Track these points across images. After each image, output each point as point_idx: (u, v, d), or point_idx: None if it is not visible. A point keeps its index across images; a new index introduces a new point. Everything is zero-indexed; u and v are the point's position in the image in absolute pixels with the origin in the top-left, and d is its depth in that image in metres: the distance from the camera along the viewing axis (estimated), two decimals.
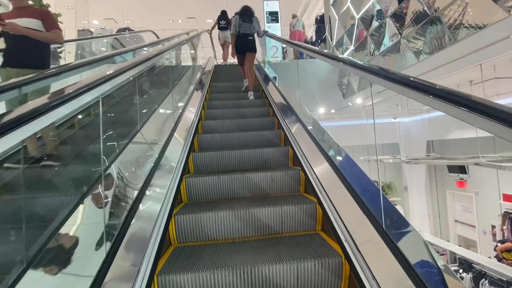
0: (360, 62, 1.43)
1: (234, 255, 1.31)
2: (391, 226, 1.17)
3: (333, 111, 6.51)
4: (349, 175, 1.52)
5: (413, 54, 3.99)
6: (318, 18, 9.05)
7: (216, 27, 6.36)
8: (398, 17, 4.27)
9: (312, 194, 1.69)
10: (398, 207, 9.28)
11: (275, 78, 4.25)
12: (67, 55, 5.57)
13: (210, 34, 6.57)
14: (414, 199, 9.10)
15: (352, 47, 5.89)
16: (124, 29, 6.77)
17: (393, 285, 1.03)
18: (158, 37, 7.11)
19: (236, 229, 1.52)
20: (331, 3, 7.38)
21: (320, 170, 1.74)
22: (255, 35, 3.90)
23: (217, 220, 1.51)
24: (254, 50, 3.89)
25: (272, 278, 1.22)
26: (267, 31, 4.78)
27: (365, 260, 1.13)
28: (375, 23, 5.04)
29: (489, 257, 5.30)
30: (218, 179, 1.84)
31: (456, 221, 8.77)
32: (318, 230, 1.56)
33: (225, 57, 6.36)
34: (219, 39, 6.50)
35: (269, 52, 7.36)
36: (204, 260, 1.27)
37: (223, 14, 6.35)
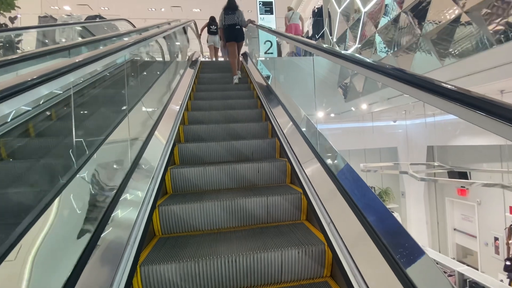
0: (378, 64, 1.21)
1: (219, 245, 1.34)
2: (373, 215, 1.21)
3: (332, 115, 5.75)
4: (334, 166, 1.55)
5: (436, 57, 3.21)
6: (316, 11, 8.37)
7: (206, 30, 6.78)
8: (418, 12, 3.48)
9: (298, 184, 1.75)
10: (395, 214, 8.55)
11: (268, 77, 4.15)
12: (29, 44, 4.93)
13: (199, 36, 6.92)
14: (412, 206, 8.53)
15: (357, 44, 5.09)
16: (95, 17, 5.82)
17: (374, 272, 1.08)
18: (134, 27, 5.97)
19: (222, 220, 1.55)
20: None
21: (305, 162, 1.78)
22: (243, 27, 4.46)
23: (202, 211, 1.53)
24: (242, 38, 4.55)
25: (256, 266, 1.25)
26: (253, 21, 4.95)
27: (347, 248, 1.18)
28: (385, 18, 4.25)
29: (501, 281, 4.79)
30: (204, 170, 1.87)
31: (455, 229, 8.24)
32: (303, 220, 1.61)
33: (211, 56, 7.04)
34: (207, 42, 7.06)
35: (262, 48, 6.46)
36: (188, 250, 1.31)
37: (213, 19, 6.84)
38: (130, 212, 1.33)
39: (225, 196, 1.59)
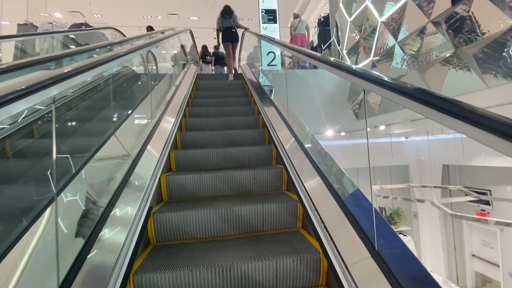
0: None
1: (214, 253, 1.38)
2: (368, 224, 1.23)
3: (343, 133, 5.11)
4: (329, 174, 1.58)
5: (479, 76, 2.55)
6: (322, 19, 7.78)
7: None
8: (453, 23, 2.84)
9: (294, 192, 1.79)
10: (407, 239, 7.71)
11: (271, 91, 3.93)
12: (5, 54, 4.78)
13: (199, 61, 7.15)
14: (426, 228, 7.76)
15: (372, 57, 4.47)
16: (80, 25, 5.19)
17: (368, 280, 1.10)
18: (124, 36, 5.31)
19: (217, 228, 1.58)
20: (342, 1, 5.93)
21: (301, 169, 1.80)
22: (239, 30, 5.30)
23: (197, 218, 1.56)
24: (237, 39, 5.34)
25: (251, 275, 1.27)
26: (248, 28, 5.47)
27: (342, 257, 1.20)
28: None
29: None
30: (200, 177, 1.91)
31: (473, 255, 7.41)
32: (299, 228, 1.64)
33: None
34: (201, 69, 7.51)
35: (265, 59, 5.86)
36: (183, 258, 1.33)
37: (205, 48, 7.54)
38: (124, 220, 1.35)
39: (221, 203, 1.64)
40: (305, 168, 1.78)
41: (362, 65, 5.50)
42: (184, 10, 12.17)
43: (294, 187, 1.77)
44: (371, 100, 5.05)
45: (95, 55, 1.72)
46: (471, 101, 0.70)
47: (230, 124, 2.99)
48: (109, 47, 2.13)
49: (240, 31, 5.51)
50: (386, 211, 8.80)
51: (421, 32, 3.86)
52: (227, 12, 5.29)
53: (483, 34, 2.90)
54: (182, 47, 6.26)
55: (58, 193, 1.16)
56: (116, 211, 1.33)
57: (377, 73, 1.17)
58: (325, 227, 1.34)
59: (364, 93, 1.30)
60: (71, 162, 1.40)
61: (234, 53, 5.41)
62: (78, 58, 1.56)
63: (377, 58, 4.92)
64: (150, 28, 6.04)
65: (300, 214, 1.62)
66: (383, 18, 4.83)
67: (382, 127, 4.74)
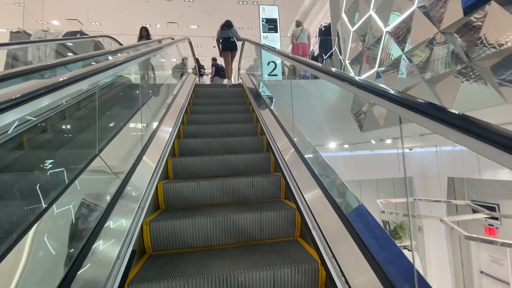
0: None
1: (211, 262, 1.38)
2: (366, 232, 1.23)
3: (346, 146, 4.88)
4: (328, 183, 1.58)
5: (496, 90, 2.37)
6: (323, 29, 7.69)
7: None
8: (466, 33, 2.65)
9: (292, 200, 1.80)
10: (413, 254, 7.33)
11: (270, 100, 3.94)
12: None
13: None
14: (431, 243, 7.38)
15: (377, 67, 4.28)
16: (75, 33, 4.96)
17: None
18: (120, 44, 5.12)
19: (214, 236, 1.58)
20: (344, 10, 5.78)
21: (299, 177, 1.82)
22: (237, 41, 6.05)
23: (194, 227, 1.55)
24: (236, 49, 6.08)
25: (248, 285, 1.27)
26: (247, 38, 5.89)
27: (340, 267, 1.20)
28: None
29: None
30: (197, 185, 1.93)
31: (482, 272, 7.08)
32: (297, 236, 1.64)
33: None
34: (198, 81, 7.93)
35: (265, 69, 5.67)
36: (179, 268, 1.33)
37: (198, 61, 7.63)
38: (120, 228, 1.34)
39: (218, 212, 1.64)
40: (304, 176, 1.79)
41: (366, 75, 5.35)
42: (183, 18, 12.14)
43: (292, 195, 1.78)
44: (376, 111, 4.85)
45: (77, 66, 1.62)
46: (488, 116, 0.76)
47: (228, 131, 3.01)
48: (95, 58, 1.89)
49: (239, 42, 6.19)
50: (389, 224, 8.51)
51: (430, 42, 3.69)
52: (226, 25, 6.05)
53: (501, 45, 2.71)
54: (181, 56, 6.15)
55: (51, 204, 1.14)
56: (111, 221, 1.32)
57: (385, 86, 1.11)
58: (323, 236, 1.33)
59: (401, 122, 1.10)
60: (65, 173, 1.39)
61: (232, 62, 6.10)
62: (65, 69, 1.47)
63: (382, 68, 4.75)
64: (145, 30, 5.77)
65: (298, 223, 1.62)
66: (389, 28, 4.68)
67: (388, 141, 4.54)
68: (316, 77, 5.00)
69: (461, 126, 0.72)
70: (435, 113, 0.81)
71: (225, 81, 8.00)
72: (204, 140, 2.71)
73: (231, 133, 2.99)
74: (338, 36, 7.14)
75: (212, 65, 8.42)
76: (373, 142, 4.86)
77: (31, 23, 9.33)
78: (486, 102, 2.96)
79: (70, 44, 6.28)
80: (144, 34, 5.74)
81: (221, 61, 7.47)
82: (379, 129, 4.72)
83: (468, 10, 3.21)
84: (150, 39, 5.61)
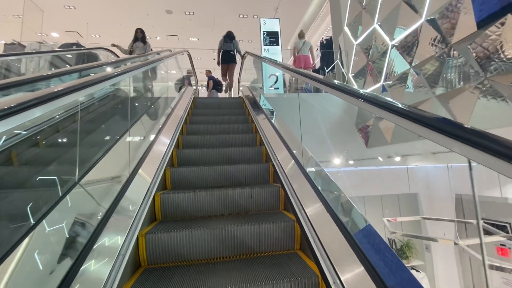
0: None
1: (208, 277, 1.35)
2: (368, 246, 1.22)
3: (351, 162, 4.63)
4: (329, 195, 1.59)
5: None
6: (324, 42, 7.58)
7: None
8: (482, 48, 2.47)
9: (291, 211, 1.79)
10: (421, 275, 6.99)
11: (272, 113, 3.85)
12: None
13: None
14: (440, 263, 6.96)
15: (382, 81, 4.10)
16: (71, 45, 4.80)
17: None
18: (117, 56, 4.90)
19: (211, 249, 1.55)
20: (346, 24, 5.66)
21: (299, 188, 1.81)
22: (236, 53, 6.19)
23: (191, 239, 1.53)
24: (234, 62, 6.16)
25: None
26: (248, 52, 5.70)
27: (341, 280, 1.19)
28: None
29: None
30: (195, 195, 1.92)
31: None
32: (296, 249, 1.62)
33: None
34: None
35: (266, 82, 5.51)
36: (174, 282, 1.30)
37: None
38: (113, 242, 1.33)
39: (216, 223, 1.62)
40: (304, 188, 1.77)
41: (371, 89, 5.20)
42: (183, 31, 12.17)
43: (292, 207, 1.76)
44: (382, 126, 4.63)
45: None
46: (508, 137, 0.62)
47: (228, 141, 3.02)
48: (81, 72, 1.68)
49: (238, 54, 6.36)
50: (396, 243, 8.12)
51: (441, 56, 3.51)
52: (229, 37, 6.20)
53: None
54: (179, 67, 6.00)
55: (41, 219, 1.11)
56: (105, 236, 1.30)
57: (394, 101, 1.08)
58: (324, 250, 1.31)
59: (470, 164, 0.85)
60: (58, 186, 1.36)
61: (231, 75, 6.28)
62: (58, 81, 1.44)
63: (389, 82, 4.57)
64: (140, 32, 5.47)
65: (298, 235, 1.60)
66: (395, 42, 4.53)
67: (397, 158, 4.30)
68: (318, 91, 4.85)
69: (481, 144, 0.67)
70: (451, 129, 0.77)
71: (219, 95, 8.34)
72: (203, 150, 2.72)
73: (230, 144, 3.04)
74: (340, 49, 7.03)
75: (210, 78, 8.36)
76: (381, 159, 4.61)
77: (30, 34, 9.25)
78: (505, 120, 2.75)
79: (69, 56, 6.12)
80: (140, 36, 5.44)
81: (216, 74, 7.62)
82: (386, 145, 4.48)
83: (482, 23, 3.04)
84: (146, 42, 5.42)
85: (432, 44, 3.78)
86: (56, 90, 1.10)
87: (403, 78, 4.36)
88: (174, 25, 11.86)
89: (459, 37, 3.34)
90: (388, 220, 5.36)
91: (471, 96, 3.11)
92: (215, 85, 8.34)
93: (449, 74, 3.48)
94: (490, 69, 2.91)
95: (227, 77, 6.27)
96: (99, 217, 1.38)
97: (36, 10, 9.77)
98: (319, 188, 1.66)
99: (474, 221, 5.79)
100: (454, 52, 3.45)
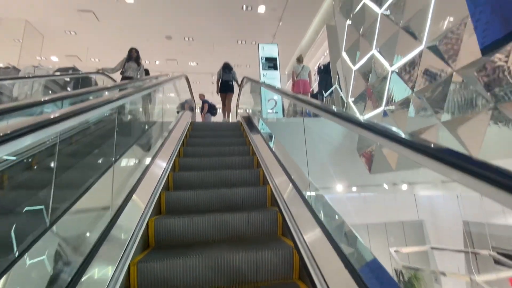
0: None
1: None
2: (374, 279, 1.18)
3: (354, 188, 4.38)
4: (329, 222, 1.56)
5: None
6: (322, 67, 7.55)
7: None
8: (489, 73, 2.40)
9: (289, 236, 1.76)
10: None
11: (271, 137, 3.74)
12: None
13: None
14: None
15: (383, 106, 4.01)
16: (67, 69, 4.66)
17: None
18: (114, 81, 4.78)
19: (206, 279, 1.48)
20: (344, 49, 5.69)
21: (297, 214, 1.79)
22: (234, 82, 6.66)
23: (185, 268, 1.47)
24: (232, 91, 6.58)
25: None
26: (247, 77, 5.85)
27: None
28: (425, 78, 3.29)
29: None
30: (190, 221, 1.88)
31: None
32: (295, 279, 1.55)
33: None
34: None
35: (265, 107, 5.42)
36: None
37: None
38: (103, 275, 1.27)
39: (212, 251, 1.58)
40: (303, 214, 1.73)
41: (371, 114, 5.10)
42: (182, 56, 12.37)
43: (290, 233, 1.73)
44: (386, 152, 4.46)
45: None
46: None
47: (225, 164, 3.00)
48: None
49: (236, 83, 6.82)
50: (403, 275, 7.63)
51: (446, 82, 3.42)
52: (227, 68, 6.56)
53: None
54: (177, 91, 5.91)
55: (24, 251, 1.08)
56: (95, 264, 1.25)
57: (396, 129, 1.08)
58: (324, 281, 1.27)
59: None
60: (44, 215, 1.31)
61: (229, 103, 6.68)
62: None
63: (391, 107, 4.47)
64: (135, 51, 5.26)
65: (297, 263, 1.55)
66: (395, 67, 4.49)
67: (403, 186, 4.09)
68: (318, 115, 4.68)
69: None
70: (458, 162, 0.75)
71: (212, 119, 8.59)
72: (199, 173, 2.68)
73: (227, 166, 3.00)
74: (339, 74, 7.08)
75: (205, 102, 8.44)
76: (386, 186, 4.39)
77: (28, 58, 9.27)
78: None
79: (67, 79, 6.01)
80: (134, 56, 5.20)
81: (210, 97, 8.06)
82: (391, 171, 4.27)
83: (486, 50, 2.98)
84: (140, 62, 5.23)
85: (434, 70, 3.73)
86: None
87: (405, 103, 4.27)
88: (173, 50, 12.07)
89: (463, 63, 3.28)
90: (395, 251, 5.02)
91: (481, 123, 2.98)
92: (210, 109, 8.40)
93: (454, 100, 3.38)
94: (500, 95, 2.81)
95: (225, 105, 6.60)
96: (88, 247, 1.33)
97: (37, 35, 9.89)
98: (319, 214, 1.64)
99: (486, 251, 5.44)
100: (458, 78, 3.38)
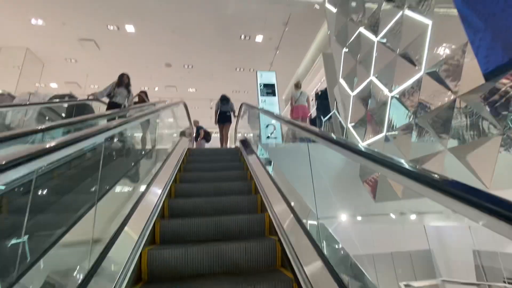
0: None
1: None
2: None
3: (359, 218, 4.13)
4: (328, 250, 1.56)
5: None
6: (319, 93, 7.58)
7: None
8: (496, 100, 2.28)
9: (288, 268, 1.71)
10: None
11: (270, 162, 3.66)
12: None
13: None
14: None
15: (385, 132, 3.90)
16: (63, 96, 4.59)
17: None
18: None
19: None
20: (341, 76, 5.72)
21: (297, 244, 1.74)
22: (231, 112, 6.99)
23: None
24: (230, 121, 6.92)
25: None
26: (246, 103, 6.17)
27: None
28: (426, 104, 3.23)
29: None
30: (185, 251, 1.80)
31: None
32: None
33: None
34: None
35: (264, 132, 5.29)
36: None
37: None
38: None
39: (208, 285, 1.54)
40: (302, 243, 1.69)
41: (373, 140, 4.99)
42: (181, 82, 12.52)
43: (290, 264, 1.67)
44: (391, 180, 4.26)
45: None
46: None
47: (222, 190, 2.94)
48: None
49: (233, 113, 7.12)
50: None
51: (449, 108, 3.34)
52: (225, 100, 6.90)
53: None
54: (175, 118, 5.82)
55: None
56: None
57: (400, 159, 1.02)
58: None
59: None
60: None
61: (227, 133, 6.97)
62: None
63: (394, 132, 4.36)
64: (127, 77, 5.03)
65: None
66: (394, 93, 4.45)
67: (412, 216, 3.85)
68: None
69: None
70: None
71: (207, 145, 8.72)
72: (196, 199, 2.62)
73: (224, 193, 2.93)
74: (336, 100, 7.11)
75: (199, 128, 8.44)
76: (393, 216, 4.15)
77: (27, 85, 9.27)
78: None
79: (65, 105, 5.91)
80: (126, 81, 4.94)
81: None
82: (397, 200, 4.06)
83: (489, 76, 2.93)
84: (130, 89, 4.98)
85: (435, 95, 3.68)
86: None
87: (408, 128, 4.17)
88: (173, 77, 12.22)
89: (466, 88, 3.23)
90: (406, 286, 4.68)
91: (491, 150, 2.86)
92: (205, 135, 8.39)
93: (459, 126, 3.28)
94: (509, 120, 2.71)
95: (223, 135, 6.90)
96: (75, 284, 1.24)
97: (37, 62, 10.00)
98: (320, 244, 1.58)
99: (501, 284, 5.09)
100: (462, 103, 3.31)
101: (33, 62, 10.00)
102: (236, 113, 6.89)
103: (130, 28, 8.98)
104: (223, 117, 6.72)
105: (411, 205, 3.82)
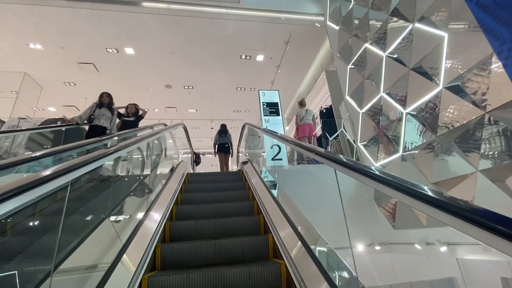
0: None
1: None
2: None
3: (378, 248, 3.62)
4: (336, 276, 1.49)
5: None
6: (324, 111, 7.30)
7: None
8: None
9: None
10: None
11: (274, 185, 3.51)
12: None
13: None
14: None
15: (401, 152, 3.54)
16: (55, 120, 4.31)
17: None
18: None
19: None
20: (348, 94, 5.45)
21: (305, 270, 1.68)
22: (229, 144, 7.42)
23: None
24: (229, 152, 7.32)
25: None
26: (249, 123, 5.79)
27: None
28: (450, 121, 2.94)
29: None
30: (187, 277, 1.78)
31: None
32: None
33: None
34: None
35: (268, 153, 5.53)
36: None
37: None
38: None
39: None
40: (309, 269, 1.63)
41: (388, 160, 4.60)
42: (182, 103, 12.33)
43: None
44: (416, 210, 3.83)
45: None
46: None
47: (224, 211, 2.91)
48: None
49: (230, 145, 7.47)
50: None
51: (477, 125, 3.00)
52: (224, 132, 7.35)
53: None
54: (175, 140, 5.50)
55: None
56: None
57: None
58: None
59: None
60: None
61: (227, 162, 7.28)
62: None
63: (414, 152, 3.99)
64: (107, 96, 4.47)
65: None
66: (409, 110, 4.13)
67: (443, 248, 3.39)
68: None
69: None
70: None
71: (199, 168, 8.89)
72: (197, 221, 2.57)
73: (227, 214, 2.92)
74: (342, 117, 6.83)
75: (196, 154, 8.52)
76: (418, 247, 3.68)
77: (25, 109, 9.06)
78: None
79: (62, 129, 5.61)
80: (106, 101, 4.33)
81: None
82: (421, 228, 3.62)
83: None
84: (113, 110, 4.47)
85: (458, 111, 3.35)
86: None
87: (429, 147, 3.78)
88: (173, 98, 12.05)
89: (495, 103, 2.91)
90: None
91: None
92: (196, 158, 8.22)
93: (491, 145, 2.91)
94: None
95: (224, 164, 7.24)
96: None
97: (35, 87, 9.86)
98: (330, 272, 1.52)
99: None
100: (492, 119, 2.97)
101: (31, 86, 9.86)
102: (233, 147, 7.37)
103: (129, 51, 8.84)
104: (223, 148, 7.15)
105: (439, 234, 3.36)
